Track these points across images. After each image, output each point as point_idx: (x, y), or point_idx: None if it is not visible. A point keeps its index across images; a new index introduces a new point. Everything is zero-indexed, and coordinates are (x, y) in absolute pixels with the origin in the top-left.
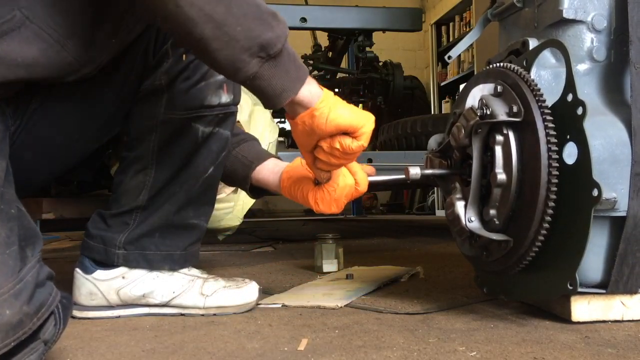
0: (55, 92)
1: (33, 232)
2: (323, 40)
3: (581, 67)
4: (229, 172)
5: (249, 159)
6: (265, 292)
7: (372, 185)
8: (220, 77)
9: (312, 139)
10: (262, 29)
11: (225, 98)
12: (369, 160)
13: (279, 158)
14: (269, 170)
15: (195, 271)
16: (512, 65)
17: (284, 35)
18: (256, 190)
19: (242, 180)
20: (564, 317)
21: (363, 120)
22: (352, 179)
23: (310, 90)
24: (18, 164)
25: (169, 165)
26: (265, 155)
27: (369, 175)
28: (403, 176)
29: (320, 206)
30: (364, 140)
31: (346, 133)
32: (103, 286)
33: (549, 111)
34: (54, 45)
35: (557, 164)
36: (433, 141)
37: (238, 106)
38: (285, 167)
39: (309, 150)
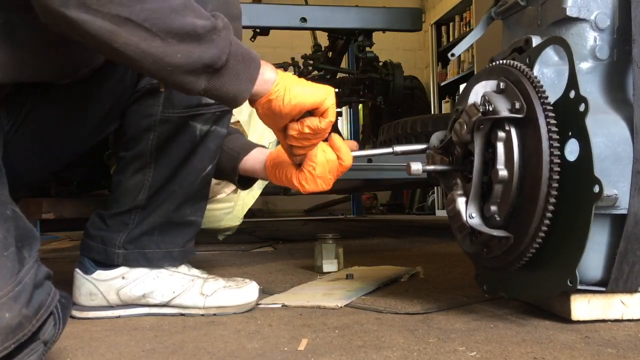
0: (51, 92)
1: (29, 232)
2: (323, 40)
3: (584, 66)
4: (217, 166)
5: (236, 150)
6: (265, 292)
7: (372, 186)
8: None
9: (276, 122)
10: (202, 49)
11: None
12: (369, 160)
13: (265, 147)
14: (255, 159)
15: (195, 271)
16: (515, 63)
17: (227, 45)
18: (244, 180)
19: (231, 171)
20: (563, 316)
21: (322, 95)
22: (333, 155)
23: (264, 79)
24: (12, 163)
25: (167, 164)
26: (251, 146)
27: (352, 150)
28: (389, 150)
29: (306, 186)
30: (331, 115)
31: (309, 112)
32: (103, 286)
33: (551, 108)
34: (47, 50)
35: (558, 161)
36: (435, 138)
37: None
38: (269, 153)
39: (279, 131)
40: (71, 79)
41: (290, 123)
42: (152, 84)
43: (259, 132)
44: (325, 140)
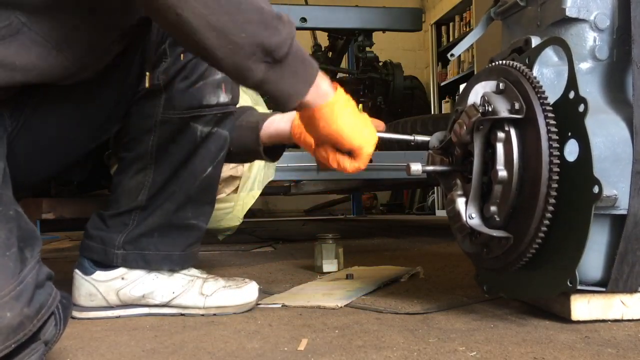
0: (53, 93)
1: (32, 233)
2: (323, 40)
3: (583, 66)
4: (238, 143)
5: (253, 121)
6: (265, 292)
7: (372, 186)
8: (219, 76)
9: (311, 135)
10: (266, 34)
11: (223, 97)
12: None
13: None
14: (278, 122)
15: (195, 271)
16: (515, 63)
17: (290, 37)
18: (270, 150)
19: (254, 143)
20: (563, 316)
21: (361, 142)
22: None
23: (318, 90)
24: (15, 164)
25: (167, 165)
26: (269, 114)
27: (378, 130)
28: (411, 137)
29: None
30: (361, 163)
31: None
32: (102, 287)
33: (551, 108)
34: (51, 51)
35: (558, 161)
36: (434, 138)
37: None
38: (296, 115)
39: (312, 138)
40: (75, 80)
41: (322, 148)
42: (154, 85)
43: None
44: None
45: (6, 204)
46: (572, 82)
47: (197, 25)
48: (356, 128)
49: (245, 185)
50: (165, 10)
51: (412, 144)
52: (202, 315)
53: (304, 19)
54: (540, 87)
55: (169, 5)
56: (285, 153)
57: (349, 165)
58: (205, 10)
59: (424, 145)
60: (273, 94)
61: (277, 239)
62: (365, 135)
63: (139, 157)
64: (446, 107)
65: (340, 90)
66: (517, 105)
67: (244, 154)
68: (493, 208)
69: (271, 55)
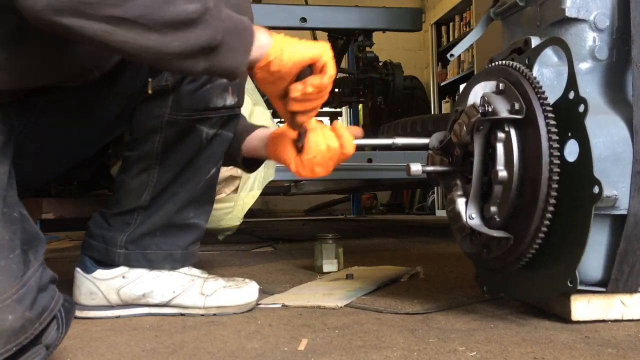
0: (61, 95)
1: (36, 235)
2: (323, 40)
3: (583, 66)
4: None
5: (239, 131)
6: (265, 292)
7: (372, 186)
8: (226, 79)
9: (277, 86)
10: (198, 33)
11: (230, 100)
12: (369, 160)
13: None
14: (258, 139)
15: (195, 271)
16: (514, 63)
17: (220, 23)
18: (248, 162)
19: (234, 152)
20: (563, 316)
21: (319, 50)
22: (335, 142)
23: (260, 45)
24: (22, 164)
25: (172, 165)
26: (254, 127)
27: (355, 137)
28: (390, 141)
29: (302, 173)
30: (330, 69)
31: (310, 71)
32: (103, 286)
33: (551, 109)
34: (56, 54)
35: (558, 162)
36: (434, 139)
37: None
38: (273, 130)
39: (278, 97)
40: (81, 82)
41: (292, 85)
42: (161, 86)
43: None
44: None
45: (11, 206)
46: (571, 83)
47: (129, 50)
48: (305, 44)
49: (245, 185)
50: (100, 43)
51: (393, 146)
52: (202, 315)
53: (304, 19)
54: (540, 87)
55: (102, 39)
56: None
57: (323, 78)
58: (134, 35)
59: (405, 149)
60: (219, 75)
61: (277, 239)
62: (317, 45)
63: (144, 156)
64: (446, 107)
65: (275, 33)
66: (517, 106)
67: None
68: (493, 208)
69: (207, 48)
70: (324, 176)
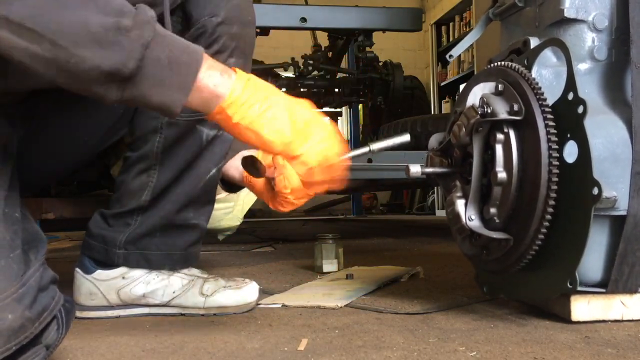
0: (64, 97)
1: (37, 235)
2: (323, 40)
3: (582, 67)
4: None
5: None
6: (265, 292)
7: (372, 186)
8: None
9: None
10: (102, 54)
11: None
12: (369, 161)
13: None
14: (235, 168)
15: (195, 271)
16: (513, 64)
17: (137, 49)
18: (228, 184)
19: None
20: (563, 316)
21: (286, 140)
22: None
23: (208, 90)
24: (25, 165)
25: (172, 166)
26: (235, 150)
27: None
28: (366, 149)
29: (283, 210)
30: (304, 174)
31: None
32: (103, 286)
33: (550, 110)
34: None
35: (557, 163)
36: (434, 140)
37: None
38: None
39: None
40: None
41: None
42: None
43: None
44: None
45: (12, 206)
46: (570, 83)
47: (20, 57)
48: (277, 119)
49: None
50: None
51: (370, 153)
52: (203, 315)
53: (304, 19)
54: (539, 88)
55: None
56: None
57: (290, 180)
58: (23, 40)
59: (390, 149)
60: (147, 109)
61: (277, 239)
62: (303, 133)
63: (144, 157)
64: (446, 107)
65: (253, 76)
66: (516, 107)
67: None
68: (493, 210)
69: (116, 75)
70: (325, 191)
